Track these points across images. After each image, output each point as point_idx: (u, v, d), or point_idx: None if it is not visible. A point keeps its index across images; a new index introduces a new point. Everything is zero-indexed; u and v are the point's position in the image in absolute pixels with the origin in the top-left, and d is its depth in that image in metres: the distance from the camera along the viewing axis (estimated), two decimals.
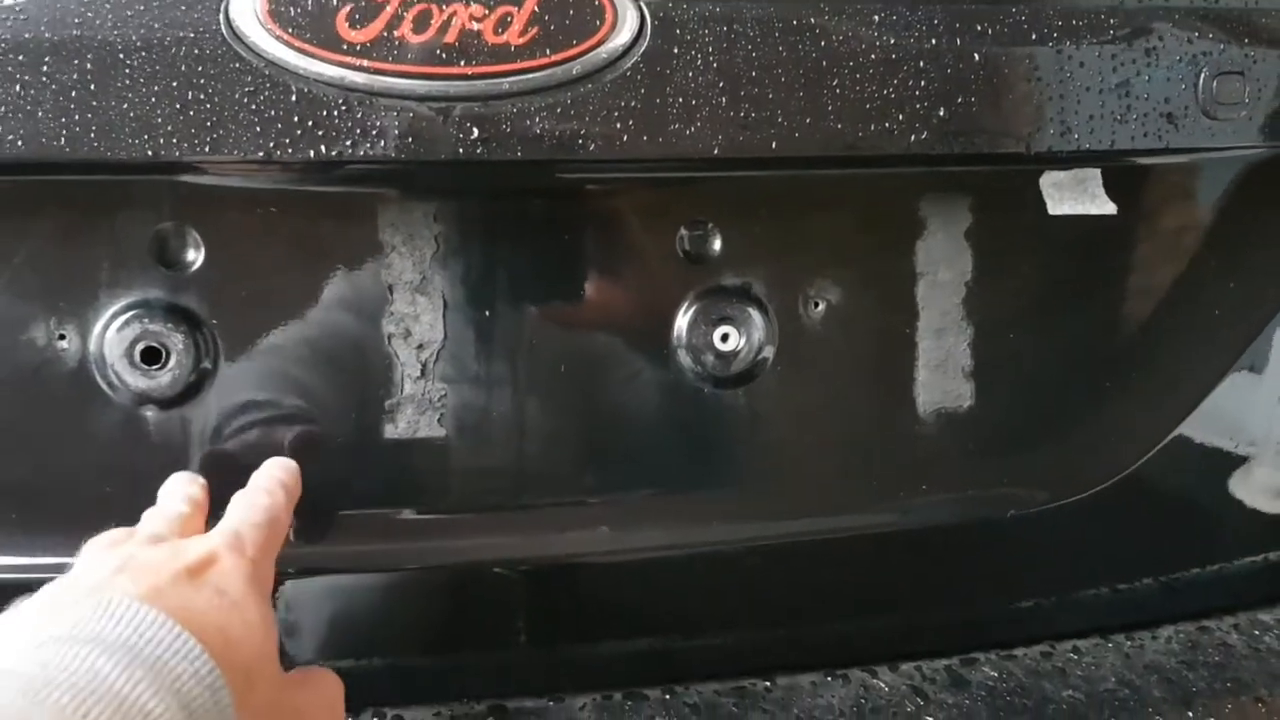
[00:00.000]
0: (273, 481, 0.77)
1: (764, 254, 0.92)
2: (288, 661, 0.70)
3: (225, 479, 0.84)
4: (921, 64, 0.82)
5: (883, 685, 0.95)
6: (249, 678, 0.62)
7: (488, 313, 0.88)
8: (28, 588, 0.82)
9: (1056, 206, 0.96)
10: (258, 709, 0.62)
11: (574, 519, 0.92)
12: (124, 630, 0.57)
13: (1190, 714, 0.95)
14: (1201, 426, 1.04)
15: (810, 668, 0.96)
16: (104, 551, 0.67)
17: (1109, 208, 0.97)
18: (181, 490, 0.77)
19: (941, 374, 0.96)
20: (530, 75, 0.76)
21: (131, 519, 0.81)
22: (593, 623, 0.95)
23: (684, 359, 0.91)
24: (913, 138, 0.82)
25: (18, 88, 0.70)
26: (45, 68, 0.70)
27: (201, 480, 0.79)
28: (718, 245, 0.91)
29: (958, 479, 0.99)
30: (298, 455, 0.85)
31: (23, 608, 0.61)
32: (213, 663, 0.58)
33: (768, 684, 0.95)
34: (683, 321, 0.91)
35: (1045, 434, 1.01)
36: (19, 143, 0.70)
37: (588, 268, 0.90)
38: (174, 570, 0.63)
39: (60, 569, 0.82)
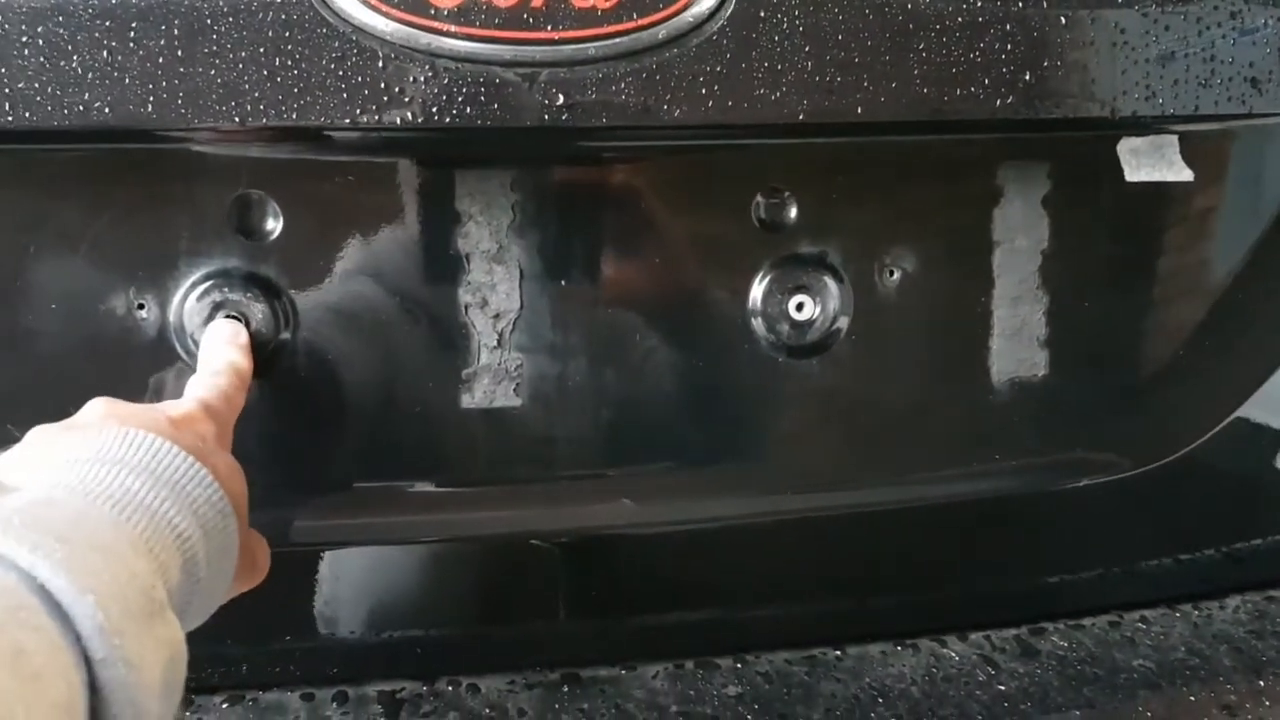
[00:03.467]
0: (224, 364, 0.77)
1: (840, 222, 0.91)
2: None
3: (303, 448, 0.84)
4: (1007, 27, 0.80)
5: (953, 655, 0.95)
6: (240, 510, 0.66)
7: (564, 282, 0.87)
8: None
9: (1133, 173, 0.94)
10: (242, 543, 0.67)
11: (650, 489, 0.91)
12: (144, 456, 0.60)
13: (1261, 683, 0.95)
14: (1270, 400, 1.03)
15: (880, 637, 0.96)
16: (98, 404, 0.69)
17: (1186, 175, 0.95)
18: (226, 358, 0.78)
19: (1015, 343, 0.96)
20: (615, 40, 0.75)
21: None
22: (664, 593, 0.94)
23: (759, 328, 0.90)
24: (998, 102, 0.81)
25: (105, 54, 0.68)
26: (132, 34, 0.68)
27: (246, 356, 0.79)
28: (794, 213, 0.90)
29: (1028, 449, 0.98)
30: (371, 424, 0.85)
31: (33, 439, 0.63)
32: (222, 491, 0.63)
33: (838, 653, 0.94)
34: (758, 290, 0.90)
35: (1117, 405, 1.00)
36: (106, 110, 0.69)
37: (663, 237, 0.89)
38: (161, 418, 0.66)
39: None
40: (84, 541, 0.51)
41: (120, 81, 0.69)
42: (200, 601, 0.62)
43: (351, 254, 0.83)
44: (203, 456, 0.63)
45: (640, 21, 0.75)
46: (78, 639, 0.47)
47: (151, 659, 0.50)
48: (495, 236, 0.85)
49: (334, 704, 0.86)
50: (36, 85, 0.68)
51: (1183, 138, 0.94)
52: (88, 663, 0.47)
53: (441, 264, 0.85)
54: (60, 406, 0.80)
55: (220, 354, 0.78)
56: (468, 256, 0.85)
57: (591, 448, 0.90)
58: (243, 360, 0.78)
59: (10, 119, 0.69)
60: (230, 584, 0.67)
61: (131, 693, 0.48)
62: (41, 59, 0.68)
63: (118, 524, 0.55)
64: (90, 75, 0.68)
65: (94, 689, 0.47)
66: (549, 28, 0.73)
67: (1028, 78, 0.81)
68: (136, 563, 0.53)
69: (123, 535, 0.54)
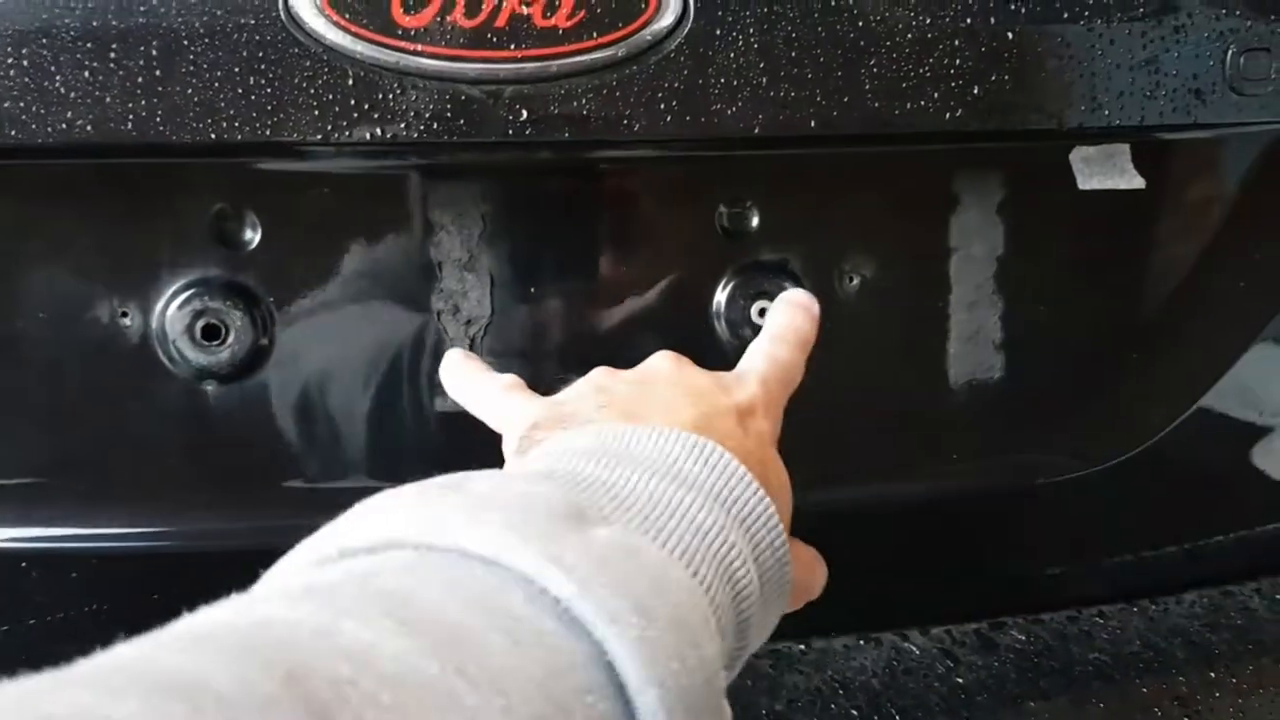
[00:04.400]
0: (798, 335, 0.69)
1: (800, 230, 0.94)
2: None
3: (282, 452, 0.88)
4: (956, 42, 0.84)
5: (914, 649, 0.98)
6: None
7: (533, 289, 0.90)
8: (94, 558, 0.86)
9: (1086, 181, 0.98)
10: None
11: None
12: (718, 483, 0.50)
13: (1213, 674, 0.97)
14: (1225, 397, 1.06)
15: (844, 632, 0.99)
16: (665, 362, 0.60)
17: (1137, 182, 0.98)
18: (793, 329, 0.68)
19: (973, 345, 0.99)
20: (577, 58, 0.78)
21: (192, 489, 0.85)
22: None
23: (723, 332, 0.94)
24: (948, 115, 0.84)
25: (86, 74, 0.72)
26: (113, 54, 0.72)
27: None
28: (756, 222, 0.93)
29: (987, 448, 1.02)
30: (348, 429, 0.89)
31: (598, 384, 0.57)
32: (785, 535, 0.52)
33: (802, 647, 0.97)
34: (721, 296, 0.93)
35: (1073, 404, 1.03)
36: (88, 127, 0.72)
37: (630, 245, 0.92)
38: (731, 412, 0.57)
39: (124, 538, 0.86)
40: (665, 618, 0.41)
41: (101, 100, 0.72)
42: (735, 667, 0.51)
43: (328, 263, 0.87)
44: (761, 473, 0.53)
45: (600, 40, 0.78)
46: None
47: None
48: (466, 245, 0.88)
49: None
50: (22, 104, 0.72)
51: (1135, 145, 0.97)
52: None
53: (414, 272, 0.88)
54: (48, 411, 0.83)
55: (789, 318, 0.68)
56: (440, 265, 0.88)
57: None
58: (810, 330, 0.69)
59: None
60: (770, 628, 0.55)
61: None
62: (26, 79, 0.72)
63: (693, 591, 0.44)
64: (73, 94, 0.72)
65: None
66: (512, 46, 0.76)
67: (976, 91, 0.84)
68: (708, 646, 0.42)
69: (698, 609, 0.43)
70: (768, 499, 0.51)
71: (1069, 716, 0.92)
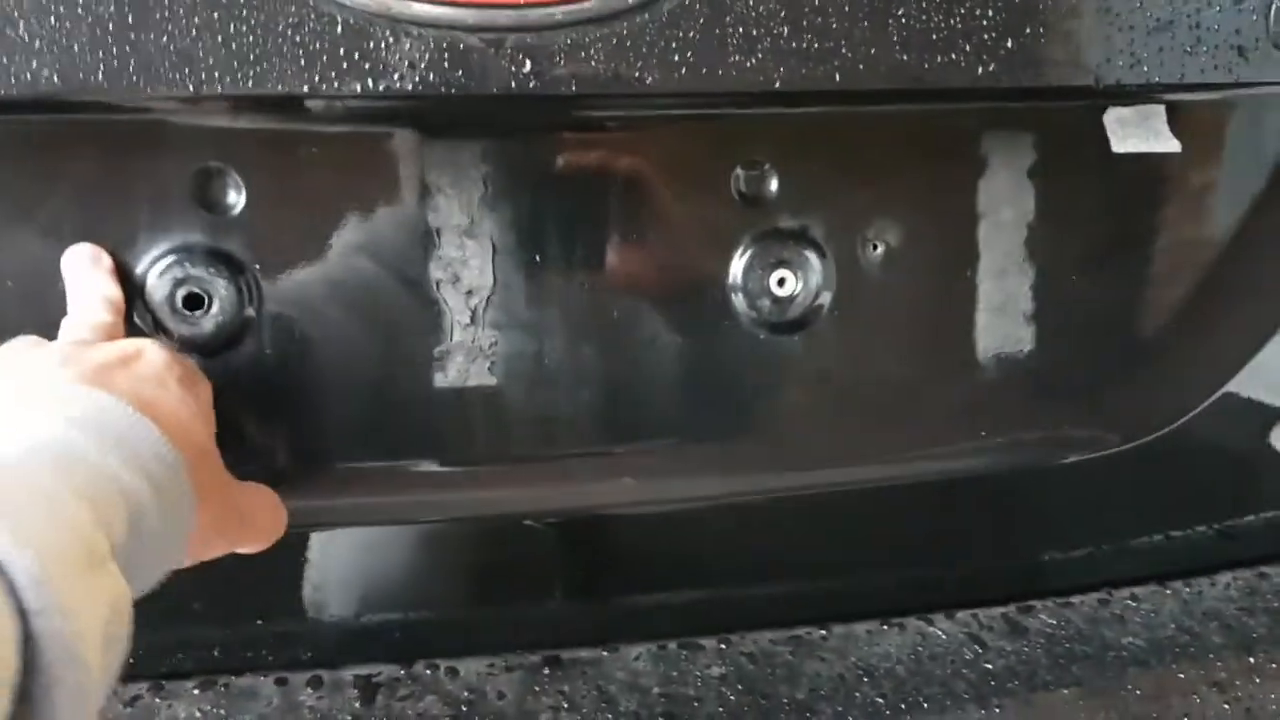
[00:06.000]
0: (98, 299, 0.76)
1: (821, 195, 0.89)
2: None
3: (269, 427, 0.83)
4: None
5: (939, 633, 0.94)
6: (201, 462, 0.65)
7: (538, 257, 0.85)
8: None
9: (1120, 144, 0.92)
10: (209, 496, 0.65)
11: (626, 468, 0.90)
12: (88, 411, 0.59)
13: (1251, 659, 0.93)
14: (1259, 376, 1.01)
15: (866, 616, 0.95)
16: (35, 350, 0.68)
17: (1173, 145, 0.93)
18: (99, 294, 0.76)
19: (1001, 317, 0.94)
20: (584, 5, 0.72)
21: None
22: (646, 573, 0.93)
23: (739, 304, 0.88)
24: (980, 70, 0.79)
25: (52, 19, 0.66)
26: None
27: (114, 282, 0.77)
28: (774, 186, 0.88)
29: (1015, 425, 0.97)
30: (339, 404, 0.84)
31: None
32: (173, 446, 0.61)
33: (823, 633, 0.93)
34: (738, 266, 0.88)
35: (1103, 380, 0.98)
36: (55, 79, 0.67)
37: (640, 210, 0.87)
38: (110, 360, 0.66)
39: None
40: (25, 490, 0.51)
41: (69, 49, 0.66)
42: (152, 559, 0.60)
43: (317, 228, 0.81)
44: (165, 403, 0.63)
45: None
46: (13, 590, 0.46)
47: (90, 610, 0.49)
48: (466, 210, 0.83)
49: (308, 689, 0.84)
50: None
51: (1171, 108, 0.92)
52: (24, 615, 0.46)
53: (411, 239, 0.83)
54: None
55: (89, 285, 0.76)
56: (438, 231, 0.83)
57: (568, 427, 0.88)
58: (114, 291, 0.76)
59: None
60: (185, 541, 0.64)
61: (68, 643, 0.46)
62: None
63: (57, 473, 0.54)
64: (37, 42, 0.66)
65: (30, 640, 0.46)
66: None
67: (1010, 45, 0.79)
68: (79, 513, 0.52)
69: (62, 484, 0.53)
70: (135, 413, 0.60)
71: (1105, 704, 0.87)
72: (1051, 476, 0.98)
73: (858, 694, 0.87)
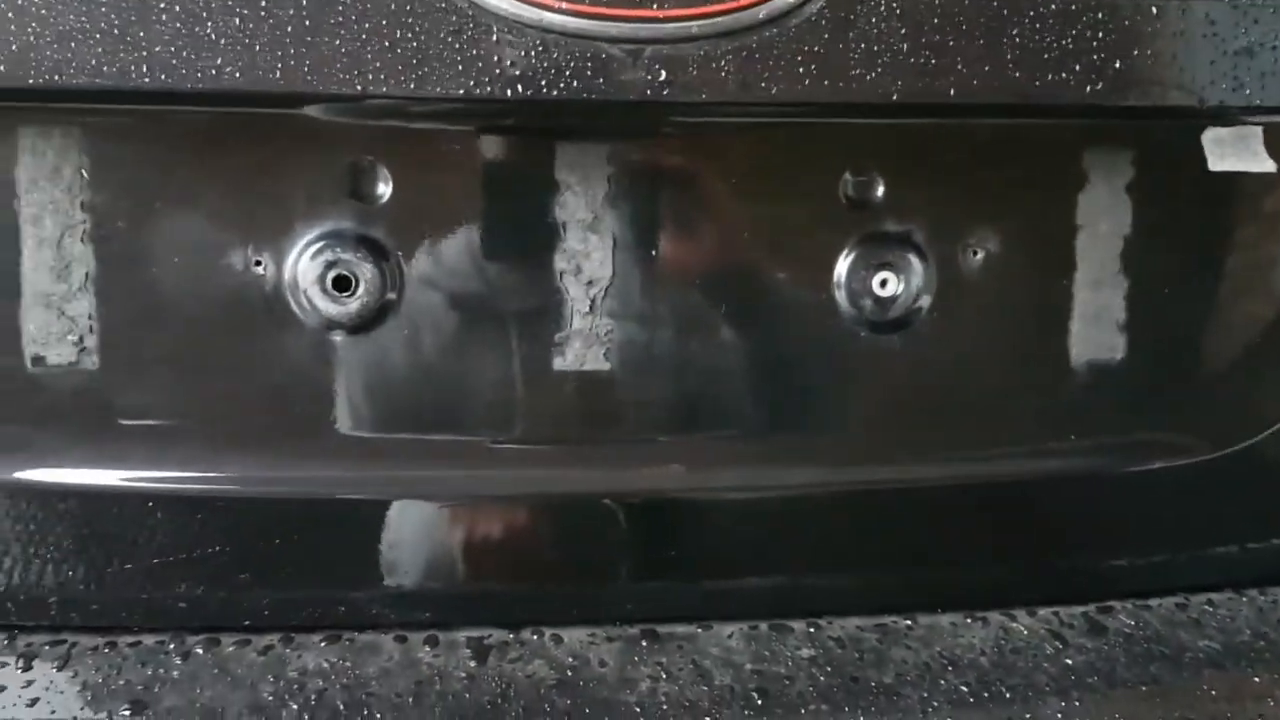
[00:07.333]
0: None
1: (925, 202, 0.93)
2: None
3: (403, 404, 0.89)
4: (1100, 14, 0.82)
5: (1021, 629, 0.97)
6: None
7: (654, 251, 0.90)
8: (218, 501, 0.88)
9: (1218, 163, 0.95)
10: None
11: (731, 454, 0.95)
12: None
13: None
14: None
15: (950, 609, 0.98)
16: None
17: (1269, 165, 0.96)
18: None
19: (1095, 325, 0.97)
20: (717, 19, 0.77)
21: (317, 435, 0.86)
22: (743, 556, 0.97)
23: (843, 302, 0.93)
24: (1088, 88, 0.82)
25: (236, 20, 0.73)
26: (264, 2, 0.72)
27: None
28: (881, 191, 0.92)
29: (1103, 430, 1.00)
30: (469, 384, 0.89)
31: None
32: None
33: (909, 623, 0.97)
34: (842, 266, 0.93)
35: (1195, 389, 1.01)
36: (237, 74, 0.73)
37: (752, 210, 0.92)
38: None
39: (246, 483, 0.88)
40: None
41: (251, 49, 0.73)
42: None
43: (456, 219, 0.87)
44: None
45: (742, 2, 0.77)
46: None
47: None
48: (591, 206, 0.88)
49: (425, 647, 0.90)
50: (173, 49, 0.73)
51: (1267, 127, 0.94)
52: None
53: (539, 231, 0.88)
54: (179, 355, 0.85)
55: None
56: (564, 225, 0.88)
57: (676, 412, 0.93)
58: None
59: (147, 80, 0.73)
60: None
61: None
62: (177, 24, 0.73)
63: None
64: (223, 40, 0.73)
65: None
66: (655, 6, 0.76)
67: (1117, 65, 0.82)
68: None
69: None
70: None
71: (1182, 703, 0.90)
72: (1138, 481, 1.01)
73: (942, 681, 0.91)
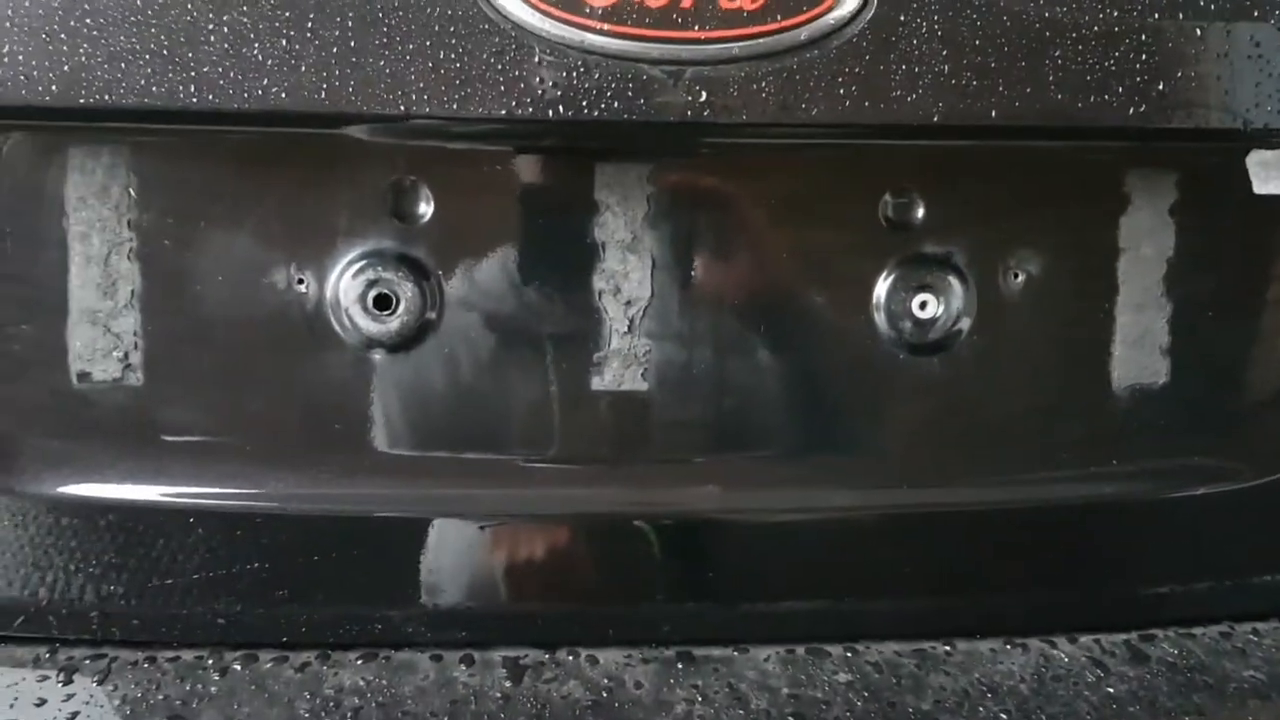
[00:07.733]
0: None
1: (966, 224, 0.93)
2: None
3: (442, 422, 0.89)
4: (1143, 37, 0.81)
5: (1062, 656, 0.96)
6: None
7: (693, 272, 0.90)
8: (258, 517, 0.88)
9: (1262, 185, 0.94)
10: None
11: (768, 477, 0.94)
12: None
13: None
14: None
15: (989, 635, 0.97)
16: None
17: None
18: None
19: (1137, 350, 0.96)
20: (759, 41, 0.78)
21: (355, 453, 0.87)
22: (780, 579, 0.97)
23: (882, 324, 0.93)
24: (1131, 110, 0.82)
25: (283, 42, 0.74)
26: (309, 25, 0.74)
27: None
28: (921, 213, 0.92)
29: (1146, 455, 0.99)
30: (508, 404, 0.90)
31: None
32: None
33: (948, 648, 0.96)
34: (882, 288, 0.92)
35: (1239, 415, 1.00)
36: (283, 94, 0.74)
37: (791, 231, 0.92)
38: None
39: (287, 500, 0.88)
40: None
41: (296, 69, 0.74)
42: None
43: (496, 239, 0.88)
44: None
45: (784, 23, 0.78)
46: None
47: None
48: (630, 227, 0.89)
49: (461, 665, 0.90)
50: (220, 70, 0.74)
51: None
52: None
53: (578, 251, 0.89)
54: (221, 371, 0.86)
55: None
56: (603, 245, 0.89)
57: (713, 433, 0.93)
58: None
59: (195, 100, 0.74)
60: None
61: None
62: (225, 45, 0.74)
63: None
64: (269, 62, 0.74)
65: None
66: (696, 27, 0.76)
67: (1160, 87, 0.82)
68: None
69: None
70: None
71: None
72: (1181, 506, 1.00)
73: (981, 708, 0.89)
